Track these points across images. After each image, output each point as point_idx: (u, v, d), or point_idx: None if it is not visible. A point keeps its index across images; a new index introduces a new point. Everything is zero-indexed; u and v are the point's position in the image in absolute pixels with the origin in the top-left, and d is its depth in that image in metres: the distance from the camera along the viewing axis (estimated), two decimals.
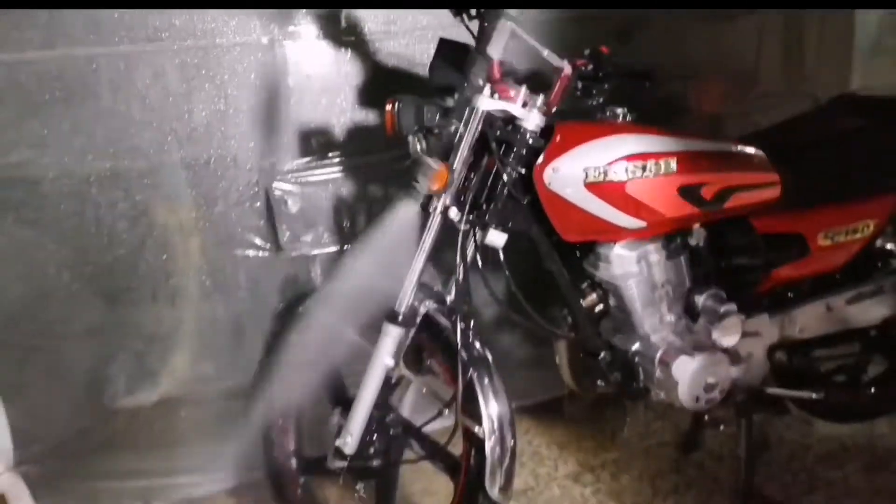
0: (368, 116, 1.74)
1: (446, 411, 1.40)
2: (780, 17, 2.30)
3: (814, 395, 1.68)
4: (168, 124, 1.58)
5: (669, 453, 1.92)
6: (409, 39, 1.75)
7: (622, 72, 1.41)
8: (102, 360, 1.64)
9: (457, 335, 1.35)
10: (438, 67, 1.44)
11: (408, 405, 1.55)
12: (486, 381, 1.38)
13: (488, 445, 1.34)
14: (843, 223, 1.58)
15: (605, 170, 1.35)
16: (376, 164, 1.77)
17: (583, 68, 1.39)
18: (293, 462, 1.65)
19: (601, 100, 1.44)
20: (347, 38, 1.69)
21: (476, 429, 1.35)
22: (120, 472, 1.72)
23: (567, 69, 1.38)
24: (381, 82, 1.73)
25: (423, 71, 1.71)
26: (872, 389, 1.90)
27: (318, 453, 1.65)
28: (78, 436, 1.66)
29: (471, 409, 1.36)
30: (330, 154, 1.72)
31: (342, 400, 1.57)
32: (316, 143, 1.71)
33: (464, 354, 1.35)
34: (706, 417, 1.63)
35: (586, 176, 1.35)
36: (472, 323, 1.37)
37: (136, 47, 1.51)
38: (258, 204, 1.69)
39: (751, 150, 1.52)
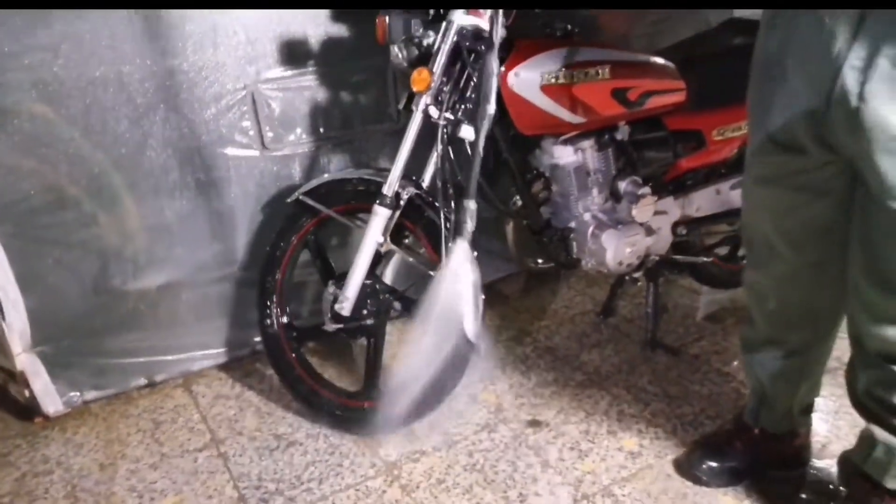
0: (340, 29, 1.95)
1: (431, 273, 1.72)
2: None
3: (704, 260, 2.14)
4: (166, 33, 1.73)
5: (591, 319, 2.34)
6: None
7: None
8: (112, 249, 1.82)
9: (440, 212, 1.65)
10: None
11: (390, 274, 1.84)
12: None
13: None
14: (731, 122, 1.98)
15: (557, 75, 1.67)
16: (346, 72, 1.99)
17: None
18: (287, 333, 1.92)
19: (545, 17, 1.76)
20: None
21: None
22: (126, 350, 1.93)
23: None
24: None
25: None
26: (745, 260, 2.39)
27: (309, 323, 1.95)
28: (90, 317, 1.84)
29: None
30: (307, 62, 1.93)
31: (332, 275, 1.85)
32: (295, 52, 1.91)
33: (445, 229, 1.65)
34: (626, 277, 2.03)
35: (542, 80, 1.66)
36: (451, 202, 1.66)
37: None
38: (245, 108, 1.88)
39: (664, 61, 1.88)
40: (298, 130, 1.97)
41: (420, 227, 1.74)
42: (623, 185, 1.92)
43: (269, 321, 1.92)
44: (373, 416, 1.79)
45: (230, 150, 1.90)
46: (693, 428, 1.79)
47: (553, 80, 1.66)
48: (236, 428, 1.86)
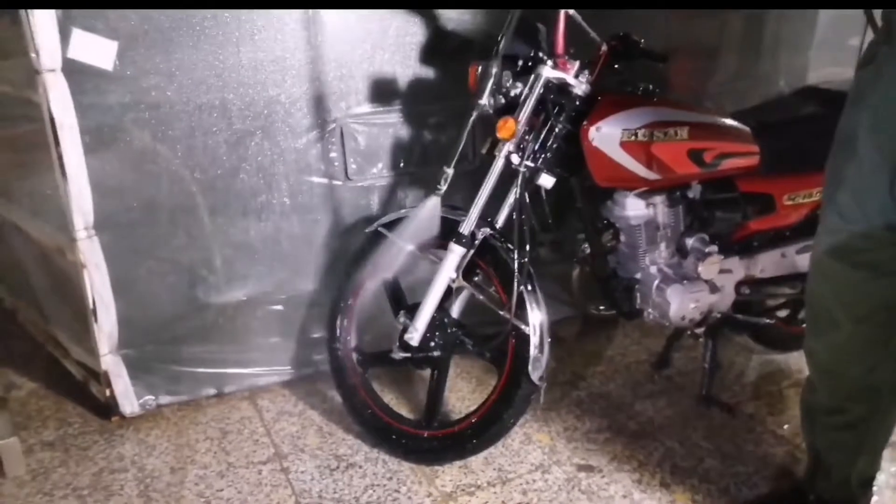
0: (427, 71, 2.05)
1: (502, 313, 1.77)
2: (740, 16, 2.67)
3: (765, 321, 2.15)
4: (269, 66, 1.85)
5: (645, 369, 2.36)
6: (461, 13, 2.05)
7: (645, 52, 1.79)
8: (200, 263, 1.92)
9: (514, 255, 1.72)
10: (508, 39, 1.77)
11: (457, 309, 1.90)
12: (532, 292, 1.76)
13: (533, 341, 1.73)
14: (802, 189, 2.01)
15: (636, 132, 1.73)
16: (429, 112, 2.09)
17: (616, 48, 1.76)
18: (355, 357, 1.99)
19: (626, 75, 1.83)
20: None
21: (523, 328, 1.74)
22: (201, 360, 2.03)
23: (605, 48, 1.75)
24: (437, 45, 2.04)
25: (472, 36, 2.05)
26: (804, 324, 2.39)
27: (376, 350, 2.02)
28: (173, 325, 1.95)
29: (520, 314, 1.74)
30: (393, 101, 2.03)
31: (403, 305, 1.92)
32: (383, 90, 2.01)
33: (518, 271, 1.72)
34: (688, 332, 2.06)
35: (622, 136, 1.72)
36: (526, 246, 1.72)
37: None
38: (333, 140, 1.99)
39: (739, 125, 1.92)
40: (380, 164, 2.07)
41: (492, 267, 1.80)
42: (690, 242, 1.96)
43: (337, 344, 2.00)
44: (432, 445, 1.85)
45: (315, 178, 2.00)
46: (747, 488, 1.79)
47: (633, 138, 1.72)
48: (299, 445, 1.93)
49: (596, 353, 2.44)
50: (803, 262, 2.13)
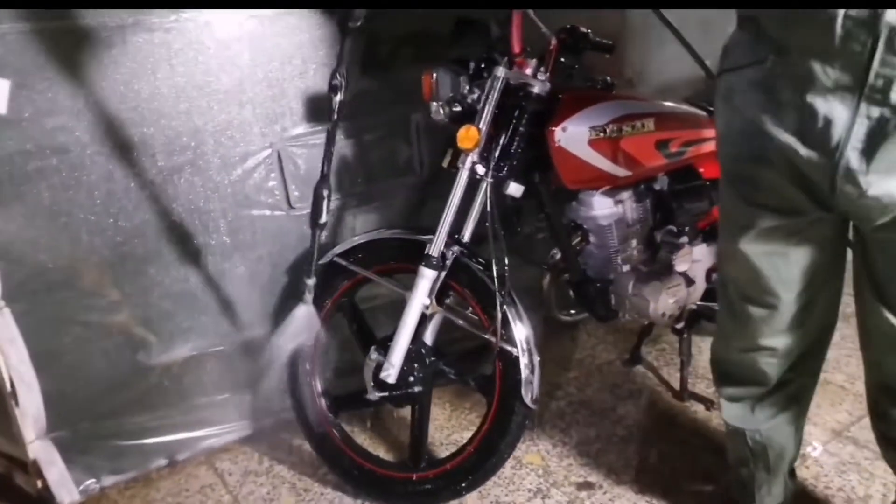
0: (361, 82, 1.88)
1: (487, 336, 1.63)
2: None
3: None
4: (192, 93, 1.63)
5: (617, 368, 2.29)
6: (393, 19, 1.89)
7: (594, 44, 1.70)
8: (135, 322, 1.69)
9: (491, 272, 1.58)
10: (457, 42, 1.63)
11: (430, 335, 1.75)
12: (515, 310, 1.64)
13: (522, 363, 1.60)
14: None
15: (605, 128, 1.63)
16: (370, 125, 1.92)
17: (566, 41, 1.66)
18: (324, 402, 1.81)
19: (575, 66, 1.73)
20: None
21: (511, 350, 1.61)
22: (146, 429, 1.79)
23: (554, 41, 1.65)
24: (373, 53, 1.88)
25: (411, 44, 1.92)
26: None
27: (346, 391, 1.84)
28: (110, 396, 1.70)
29: (506, 335, 1.61)
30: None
31: (372, 341, 1.76)
32: (320, 107, 1.83)
33: (500, 290, 1.58)
34: (671, 330, 2.00)
35: (589, 134, 1.62)
36: (505, 263, 1.59)
37: (163, 19, 1.56)
38: (271, 166, 1.79)
39: (698, 111, 1.87)
40: None
41: (467, 287, 1.66)
42: (661, 235, 1.90)
43: (302, 390, 1.81)
44: (423, 488, 1.70)
45: (255, 211, 1.80)
46: None
47: (601, 135, 1.63)
48: None
49: (565, 358, 2.35)
50: None
